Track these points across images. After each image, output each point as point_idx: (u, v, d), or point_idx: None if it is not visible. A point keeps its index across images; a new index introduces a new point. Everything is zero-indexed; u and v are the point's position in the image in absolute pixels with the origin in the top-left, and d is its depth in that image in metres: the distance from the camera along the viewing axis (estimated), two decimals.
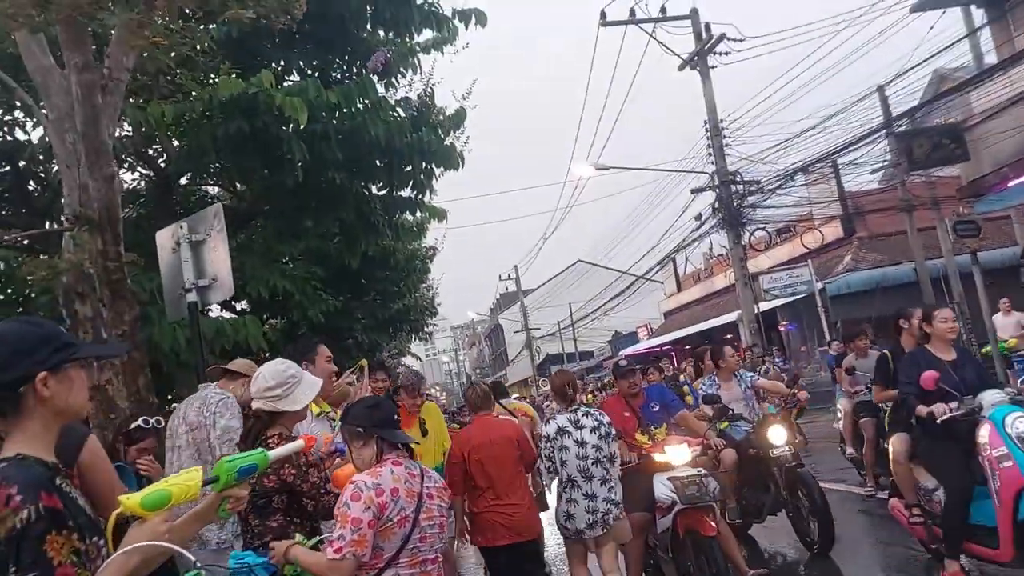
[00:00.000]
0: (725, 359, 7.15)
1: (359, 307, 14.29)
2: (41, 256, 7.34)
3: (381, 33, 10.08)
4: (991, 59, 14.97)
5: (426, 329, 21.18)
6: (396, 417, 3.27)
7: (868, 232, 21.87)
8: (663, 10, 19.14)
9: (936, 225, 17.74)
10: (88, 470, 2.58)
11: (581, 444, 5.01)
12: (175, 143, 9.53)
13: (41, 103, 6.06)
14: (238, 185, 11.20)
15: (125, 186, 11.34)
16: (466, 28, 9.83)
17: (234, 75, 7.92)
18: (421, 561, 3.00)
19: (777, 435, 6.54)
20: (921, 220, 18.15)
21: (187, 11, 5.90)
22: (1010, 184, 13.86)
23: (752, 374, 7.57)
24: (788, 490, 6.51)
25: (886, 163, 17.98)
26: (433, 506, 3.08)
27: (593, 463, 4.97)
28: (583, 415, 5.15)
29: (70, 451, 2.36)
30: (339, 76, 10.33)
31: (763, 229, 20.51)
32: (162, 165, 10.14)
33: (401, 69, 10.35)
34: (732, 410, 6.61)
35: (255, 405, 3.38)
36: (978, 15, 15.36)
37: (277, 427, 3.36)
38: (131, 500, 1.86)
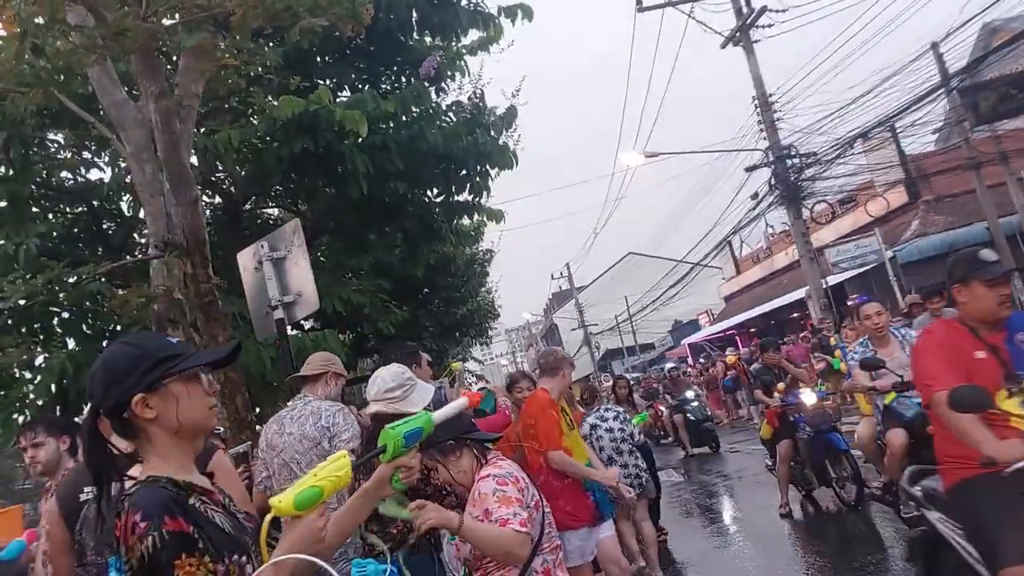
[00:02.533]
0: (865, 319, 5.84)
1: (425, 315, 14.37)
2: (119, 291, 7.50)
3: (428, 39, 10.09)
4: None
5: (488, 333, 21.22)
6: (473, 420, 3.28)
7: (934, 195, 21.18)
8: None
9: (1007, 181, 17.14)
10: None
11: (610, 431, 6.62)
12: (240, 167, 9.67)
13: (116, 138, 6.19)
14: (300, 205, 11.33)
15: None
16: (512, 24, 9.76)
17: (292, 95, 7.98)
18: (556, 547, 2.97)
19: None
20: (990, 177, 17.52)
21: (256, 31, 5.95)
22: None
23: (914, 332, 5.84)
24: None
25: (948, 121, 17.41)
26: (539, 494, 3.07)
27: (621, 442, 6.59)
28: (605, 411, 6.85)
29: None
30: (389, 87, 10.37)
31: (824, 201, 20.00)
32: (230, 191, 10.30)
33: (450, 73, 10.34)
34: (902, 378, 5.21)
35: (373, 408, 3.36)
36: None
37: None
38: (284, 502, 1.79)
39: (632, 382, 15.42)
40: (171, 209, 5.50)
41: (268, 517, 1.78)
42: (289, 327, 7.86)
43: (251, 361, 7.49)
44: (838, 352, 8.91)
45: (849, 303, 22.69)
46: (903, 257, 19.70)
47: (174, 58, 6.68)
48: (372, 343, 12.70)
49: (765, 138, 19.13)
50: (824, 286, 19.13)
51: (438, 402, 4.17)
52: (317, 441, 3.92)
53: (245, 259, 6.33)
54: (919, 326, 7.14)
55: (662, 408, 17.38)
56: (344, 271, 10.47)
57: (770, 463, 8.95)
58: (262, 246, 6.16)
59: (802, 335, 14.69)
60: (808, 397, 7.83)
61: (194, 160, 9.25)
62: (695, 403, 16.32)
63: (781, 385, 8.19)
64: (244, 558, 1.76)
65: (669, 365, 25.38)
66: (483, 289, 20.04)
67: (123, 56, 4.74)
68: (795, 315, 25.36)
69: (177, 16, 4.80)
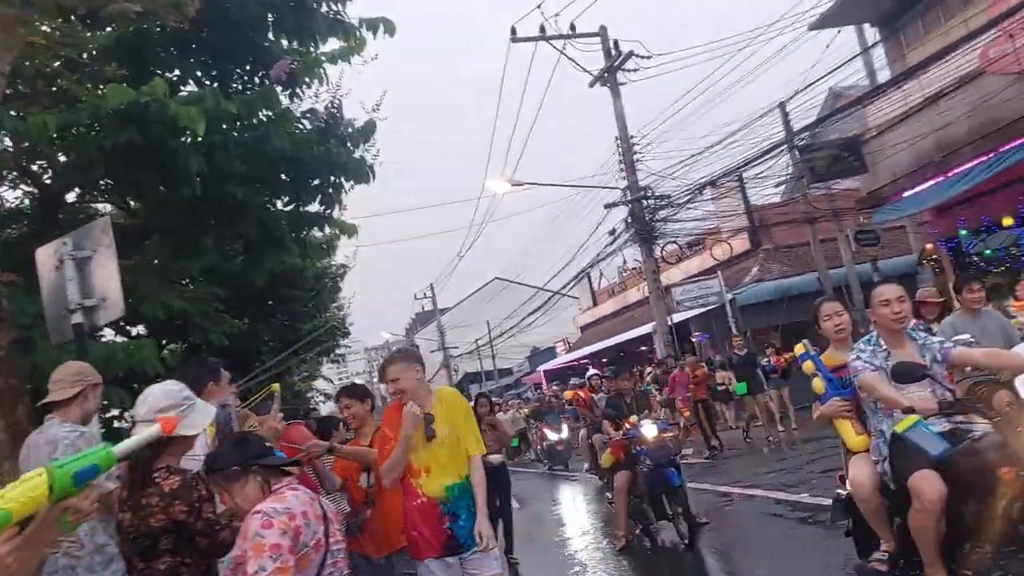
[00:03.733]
0: (882, 305, 4.03)
1: (266, 329, 13.73)
2: None
3: (284, 42, 9.69)
4: (884, 76, 15.67)
5: (338, 351, 20.60)
6: (268, 444, 3.08)
7: (773, 244, 22.56)
8: (572, 27, 19.35)
9: (837, 236, 18.49)
10: None
11: None
12: (61, 157, 8.89)
13: None
14: (131, 202, 10.57)
15: (7, 204, 10.59)
16: (374, 37, 9.53)
17: (124, 84, 7.42)
18: None
19: None
20: (823, 232, 18.86)
21: (69, 11, 5.45)
22: (905, 194, 14.48)
23: (942, 339, 4.19)
24: None
25: (789, 176, 18.60)
26: (335, 529, 2.91)
27: None
28: None
29: None
30: (239, 87, 9.88)
31: (674, 242, 20.88)
32: (47, 182, 9.46)
33: (307, 80, 9.97)
34: (952, 394, 3.85)
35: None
36: (871, 33, 16.08)
37: (165, 457, 3.02)
38: None
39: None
40: None
41: None
42: (99, 332, 7.23)
43: (48, 365, 6.80)
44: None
45: (692, 339, 23.77)
46: (742, 300, 20.80)
47: None
48: (203, 355, 11.99)
49: (624, 177, 19.78)
50: (669, 323, 19.89)
51: (222, 423, 3.86)
52: None
53: (44, 255, 5.79)
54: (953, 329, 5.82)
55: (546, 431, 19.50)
56: (174, 275, 9.81)
57: (610, 495, 8.96)
58: (65, 243, 5.65)
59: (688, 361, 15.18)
60: (648, 429, 7.69)
61: (9, 145, 8.47)
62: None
63: (633, 418, 7.94)
64: None
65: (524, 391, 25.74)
66: (334, 305, 19.47)
67: None
68: (643, 348, 26.23)
69: None
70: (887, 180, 14.97)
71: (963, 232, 14.72)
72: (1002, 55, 11.59)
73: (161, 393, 3.11)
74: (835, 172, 16.25)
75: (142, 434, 2.34)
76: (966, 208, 14.16)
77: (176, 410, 3.06)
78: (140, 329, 11.13)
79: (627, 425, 7.94)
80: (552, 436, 18.95)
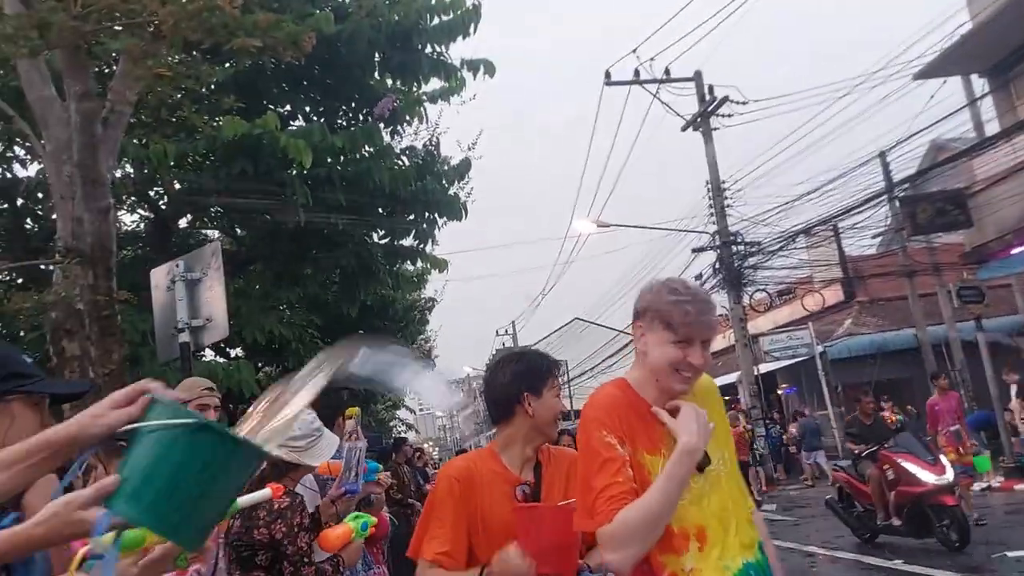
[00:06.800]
0: None
1: None
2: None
3: (389, 81, 10.08)
4: (991, 127, 15.07)
5: None
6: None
7: (869, 296, 21.77)
8: (667, 71, 19.38)
9: (937, 291, 17.71)
10: (28, 510, 2.32)
11: None
12: (176, 184, 9.41)
13: (40, 135, 5.94)
14: (238, 230, 11.07)
15: (125, 228, 11.24)
16: (474, 78, 9.83)
17: (237, 116, 7.84)
18: None
19: None
20: (922, 287, 18.10)
21: (193, 45, 5.82)
22: (1014, 251, 13.81)
23: None
24: None
25: (888, 227, 17.99)
26: None
27: None
28: None
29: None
30: (344, 123, 10.30)
31: (763, 290, 20.39)
32: (163, 207, 10.02)
33: (408, 117, 10.32)
34: None
35: (273, 452, 3.14)
36: (979, 84, 15.52)
37: (285, 479, 3.12)
38: (106, 536, 1.63)
39: None
40: (82, 215, 5.25)
41: (81, 551, 1.56)
42: (201, 352, 7.55)
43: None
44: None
45: (779, 391, 23.06)
46: (833, 353, 20.10)
47: (114, 66, 6.49)
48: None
49: (714, 222, 19.53)
50: (756, 373, 19.36)
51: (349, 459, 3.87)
52: None
53: (159, 276, 6.08)
54: None
55: None
56: (274, 302, 10.19)
57: None
58: (177, 265, 5.93)
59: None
60: None
61: (131, 170, 9.03)
62: None
63: None
64: None
65: None
66: (421, 337, 19.77)
67: (43, 50, 4.57)
68: (726, 397, 25.58)
69: (115, 20, 4.65)
70: (994, 235, 14.32)
71: None
72: None
73: (296, 422, 3.21)
74: (938, 225, 15.63)
75: (256, 494, 2.44)
76: None
77: (307, 440, 3.17)
78: (238, 351, 11.56)
79: None
80: None
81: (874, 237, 19.87)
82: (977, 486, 11.81)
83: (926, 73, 15.53)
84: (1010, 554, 7.28)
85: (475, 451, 2.50)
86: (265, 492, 2.46)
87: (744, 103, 18.83)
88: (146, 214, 10.58)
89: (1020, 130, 13.12)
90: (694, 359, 1.93)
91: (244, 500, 2.22)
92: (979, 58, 14.77)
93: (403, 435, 23.30)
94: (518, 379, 2.47)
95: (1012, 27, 13.05)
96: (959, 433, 9.94)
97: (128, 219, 11.01)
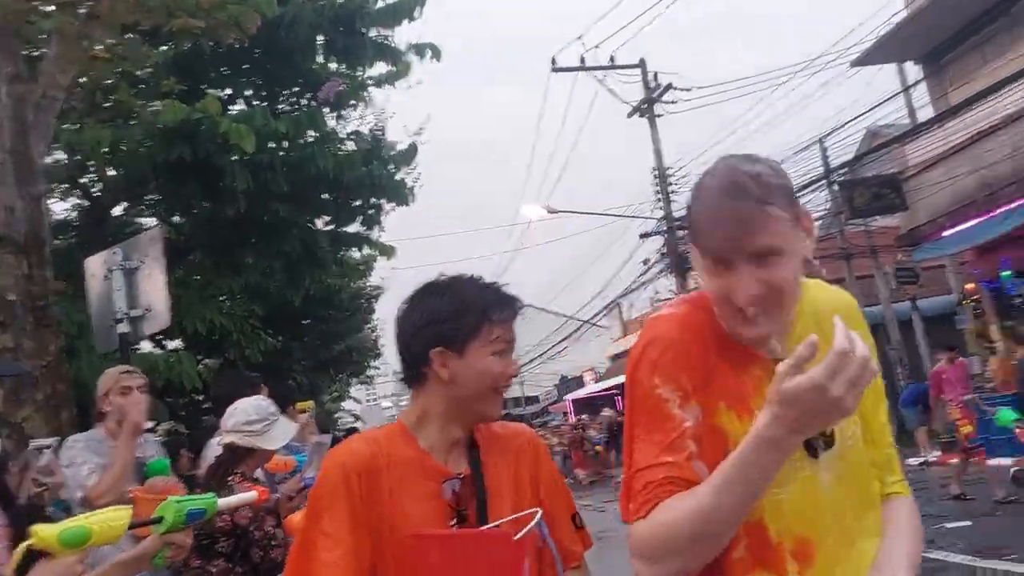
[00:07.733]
0: None
1: (299, 348, 13.83)
2: None
3: (333, 65, 9.90)
4: (926, 113, 15.53)
5: (368, 372, 20.66)
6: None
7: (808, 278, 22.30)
8: (612, 59, 19.49)
9: (874, 273, 18.25)
10: None
11: None
12: (111, 170, 9.11)
13: None
14: (176, 217, 10.78)
15: (57, 216, 10.85)
16: (420, 61, 9.72)
17: (177, 100, 7.61)
18: None
19: None
20: (858, 269, 18.61)
21: (131, 26, 5.61)
22: (946, 233, 14.27)
23: None
24: None
25: (827, 212, 18.44)
26: None
27: None
28: None
29: None
30: (288, 107, 10.10)
31: None
32: (96, 194, 9.69)
33: (352, 102, 10.17)
34: None
35: (228, 439, 3.10)
36: (913, 71, 15.97)
37: (243, 465, 3.09)
38: (46, 531, 1.59)
39: None
40: (14, 203, 5.04)
41: (23, 546, 1.59)
42: (137, 345, 7.33)
43: (89, 373, 6.92)
44: None
45: None
46: None
47: (45, 48, 6.23)
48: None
49: (661, 208, 19.76)
50: None
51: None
52: None
53: (94, 265, 5.87)
54: None
55: None
56: (214, 291, 9.96)
57: None
58: (115, 253, 5.73)
59: None
60: None
61: (63, 156, 8.70)
62: None
63: None
64: None
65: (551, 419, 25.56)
66: (367, 327, 19.57)
67: None
68: None
69: None
70: (927, 218, 14.78)
71: (1006, 273, 14.45)
72: None
73: (251, 407, 3.18)
74: (875, 208, 16.05)
75: (242, 495, 2.41)
76: (1010, 249, 13.91)
77: (263, 424, 3.14)
78: (178, 343, 11.30)
79: None
80: None
81: (813, 221, 20.33)
82: (914, 460, 12.22)
83: (862, 60, 15.91)
84: (949, 525, 7.56)
85: (381, 429, 1.71)
86: (250, 495, 2.43)
87: (688, 90, 19.06)
88: (80, 202, 10.23)
89: (952, 116, 13.55)
90: (741, 290, 1.21)
91: (229, 501, 2.19)
92: (914, 45, 15.19)
93: (352, 426, 23.09)
94: (431, 325, 1.63)
95: (946, 14, 13.43)
96: (974, 401, 9.68)
97: (60, 207, 10.66)
